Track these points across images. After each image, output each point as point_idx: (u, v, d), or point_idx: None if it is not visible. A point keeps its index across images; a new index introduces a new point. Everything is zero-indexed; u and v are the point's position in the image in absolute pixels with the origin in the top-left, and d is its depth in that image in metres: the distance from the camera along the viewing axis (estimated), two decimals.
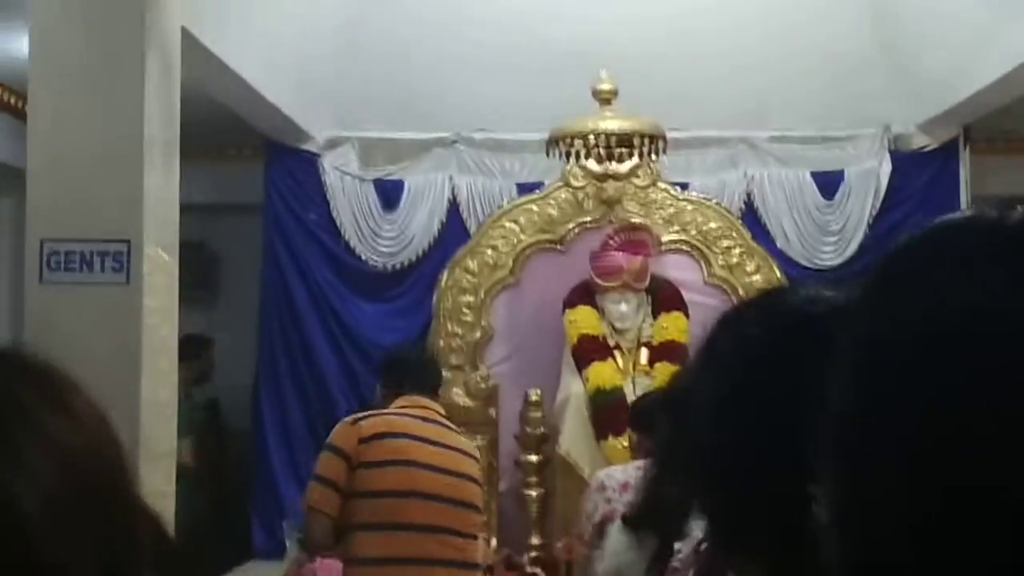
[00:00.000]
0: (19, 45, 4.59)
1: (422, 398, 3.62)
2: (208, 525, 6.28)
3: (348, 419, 3.62)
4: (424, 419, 3.55)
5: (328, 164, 7.02)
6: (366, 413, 3.66)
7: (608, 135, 5.85)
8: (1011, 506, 0.49)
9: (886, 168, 6.88)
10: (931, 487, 0.52)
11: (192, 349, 7.22)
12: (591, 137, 5.83)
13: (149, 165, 3.81)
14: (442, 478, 3.43)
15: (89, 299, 3.78)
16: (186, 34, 4.25)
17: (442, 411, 3.67)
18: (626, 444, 5.78)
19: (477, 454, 3.78)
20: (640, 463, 3.70)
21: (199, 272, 7.44)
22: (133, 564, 0.58)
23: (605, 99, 6.05)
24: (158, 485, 3.66)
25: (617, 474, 3.69)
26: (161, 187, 3.94)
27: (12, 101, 6.62)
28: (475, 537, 3.54)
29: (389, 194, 7.03)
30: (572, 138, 5.89)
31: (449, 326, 6.56)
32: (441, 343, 6.54)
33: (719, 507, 0.97)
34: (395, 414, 3.60)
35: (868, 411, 0.55)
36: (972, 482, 0.50)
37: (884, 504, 0.53)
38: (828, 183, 6.92)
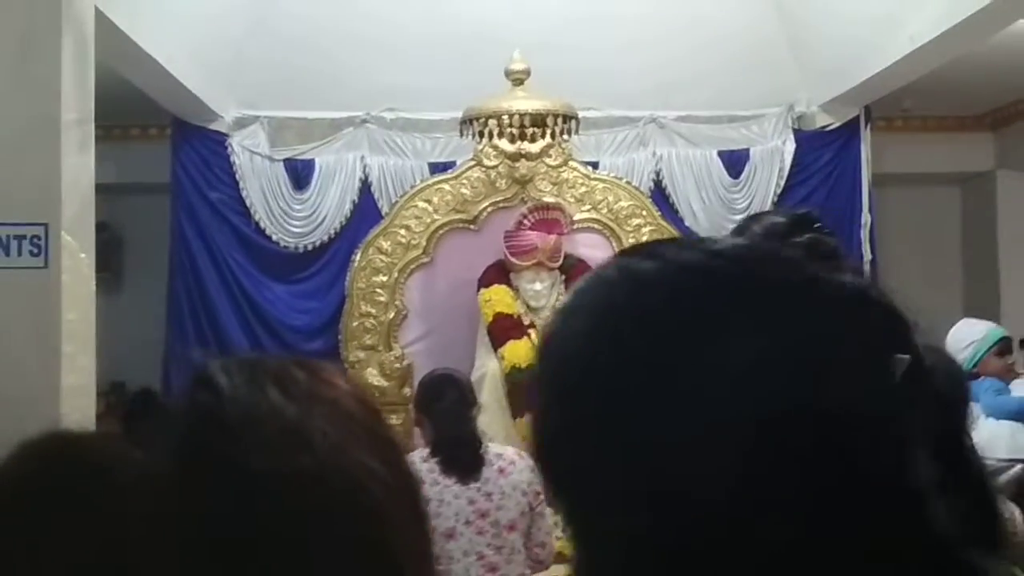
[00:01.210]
0: None
1: None
2: None
3: None
4: None
5: (237, 144, 6.92)
6: None
7: (521, 115, 5.87)
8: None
9: (790, 147, 7.04)
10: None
11: None
12: (504, 117, 5.85)
13: (66, 147, 3.73)
14: None
15: (7, 284, 3.70)
16: (98, 14, 4.17)
17: None
18: None
19: None
20: (425, 452, 3.67)
21: (102, 254, 7.25)
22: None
23: (518, 79, 6.07)
24: None
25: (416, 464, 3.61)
26: (77, 169, 3.86)
27: None
28: None
29: (299, 174, 6.97)
30: (485, 118, 5.89)
31: (362, 306, 6.54)
32: (354, 323, 6.53)
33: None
34: None
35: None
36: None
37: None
38: (734, 162, 7.06)
